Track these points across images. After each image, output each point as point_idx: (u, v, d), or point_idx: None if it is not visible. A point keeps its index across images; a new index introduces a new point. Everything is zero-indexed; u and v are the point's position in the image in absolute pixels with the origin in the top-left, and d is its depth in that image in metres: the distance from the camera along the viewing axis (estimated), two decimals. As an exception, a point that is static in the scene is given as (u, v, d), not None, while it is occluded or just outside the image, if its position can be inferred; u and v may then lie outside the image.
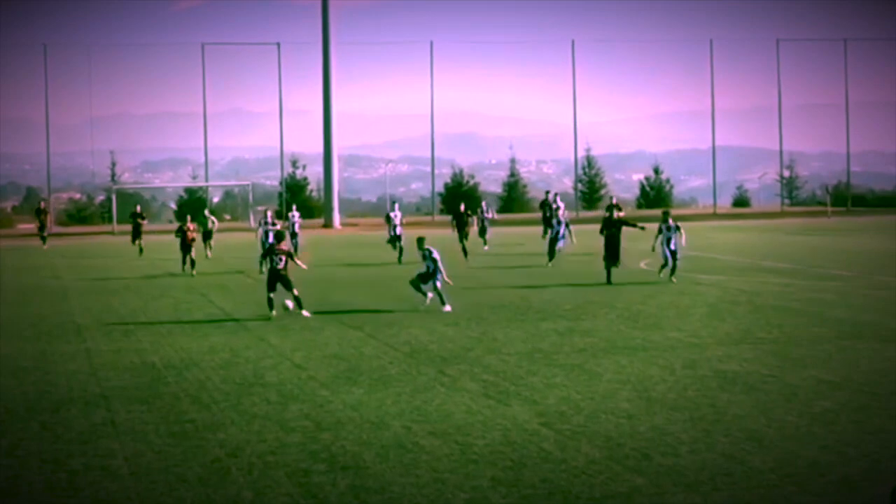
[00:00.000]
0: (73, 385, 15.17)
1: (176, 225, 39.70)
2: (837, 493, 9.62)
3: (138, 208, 45.45)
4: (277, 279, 22.16)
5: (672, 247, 27.14)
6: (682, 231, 27.57)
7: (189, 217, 34.40)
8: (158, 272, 34.17)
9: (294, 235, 39.32)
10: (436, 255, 22.69)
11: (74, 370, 16.38)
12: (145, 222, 44.12)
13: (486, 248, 40.17)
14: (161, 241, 51.35)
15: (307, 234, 52.92)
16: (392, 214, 36.99)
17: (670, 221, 27.25)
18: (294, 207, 42.90)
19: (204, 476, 10.39)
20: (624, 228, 28.21)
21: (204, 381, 15.25)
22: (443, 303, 22.50)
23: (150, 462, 10.93)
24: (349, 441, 11.61)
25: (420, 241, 23.29)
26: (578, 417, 12.54)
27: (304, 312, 21.82)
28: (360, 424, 12.37)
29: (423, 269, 22.86)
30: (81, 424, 12.71)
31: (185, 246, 32.69)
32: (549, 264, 32.98)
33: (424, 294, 22.75)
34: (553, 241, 33.88)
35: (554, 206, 42.28)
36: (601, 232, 27.95)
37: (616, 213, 28.60)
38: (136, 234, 42.71)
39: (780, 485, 9.82)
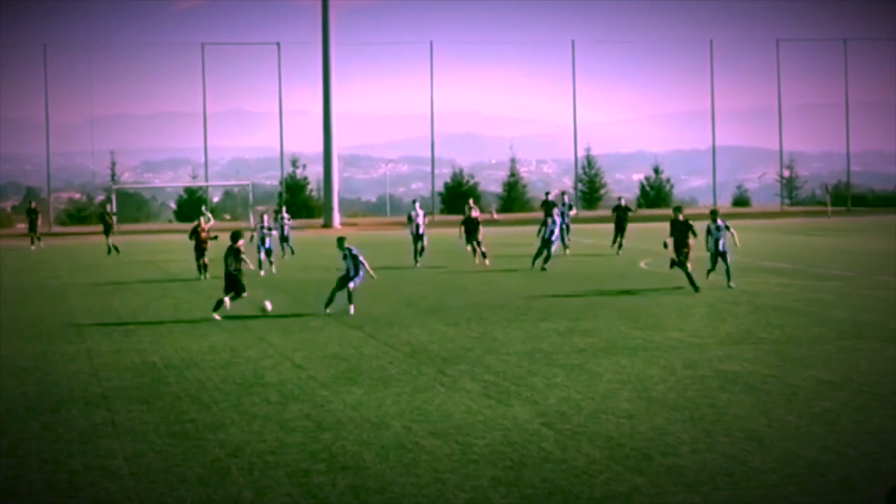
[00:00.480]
0: (73, 385, 15.17)
1: (176, 224, 39.17)
2: (838, 493, 9.62)
3: (108, 207, 45.05)
4: (229, 279, 22.07)
5: (721, 248, 25.77)
6: (734, 231, 26.07)
7: (202, 219, 31.83)
8: (159, 272, 34.18)
9: (285, 239, 38.55)
10: (356, 251, 22.33)
11: (75, 370, 16.38)
12: (114, 219, 43.60)
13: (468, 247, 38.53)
14: (161, 240, 51.36)
15: (308, 234, 52.96)
16: (413, 214, 35.16)
17: (719, 221, 25.76)
18: (284, 208, 42.08)
19: (204, 476, 10.40)
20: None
21: (204, 381, 15.25)
22: (349, 302, 22.08)
23: (151, 462, 10.94)
24: (349, 441, 11.61)
25: (340, 240, 22.61)
26: (579, 417, 12.54)
27: (225, 305, 21.88)
28: (361, 424, 12.37)
29: (342, 271, 22.41)
30: (82, 424, 12.71)
31: (200, 248, 30.60)
32: (534, 266, 31.52)
33: (331, 302, 22.17)
34: (546, 242, 31.91)
35: (561, 205, 40.34)
36: (671, 235, 26.08)
37: (680, 216, 26.25)
38: (108, 232, 42.12)
39: (781, 485, 9.83)
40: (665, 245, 26.17)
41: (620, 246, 37.80)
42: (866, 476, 10.04)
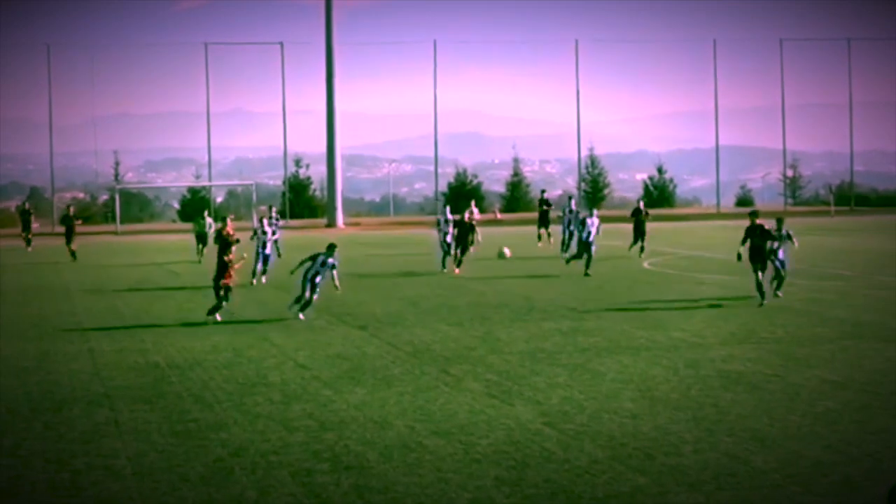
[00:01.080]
0: (76, 385, 15.18)
1: (179, 224, 38.06)
2: (841, 492, 9.62)
3: (71, 210, 43.74)
4: (219, 267, 21.97)
5: (781, 256, 24.01)
6: (795, 240, 24.64)
7: (228, 218, 28.38)
8: (161, 272, 34.20)
9: (275, 241, 37.35)
10: (337, 264, 22.01)
11: (77, 370, 16.39)
12: (80, 222, 42.48)
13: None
14: (163, 240, 51.40)
15: (310, 233, 52.97)
16: (441, 218, 33.02)
17: (783, 230, 23.97)
18: (273, 209, 40.50)
19: (207, 476, 10.40)
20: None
21: (207, 380, 15.26)
22: (307, 304, 21.76)
23: (153, 462, 10.94)
24: (352, 441, 11.61)
25: (331, 247, 22.24)
26: (581, 417, 12.54)
27: (217, 316, 21.53)
28: (364, 424, 12.38)
29: (310, 272, 21.94)
30: (84, 424, 12.72)
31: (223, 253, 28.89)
32: (568, 263, 30.93)
33: (300, 307, 21.76)
34: (587, 246, 30.47)
35: (568, 209, 39.62)
36: (743, 242, 23.33)
37: (757, 220, 23.27)
38: (70, 237, 40.52)
39: (784, 484, 9.82)
40: (739, 257, 23.35)
41: (642, 249, 36.49)
42: (869, 476, 10.04)
